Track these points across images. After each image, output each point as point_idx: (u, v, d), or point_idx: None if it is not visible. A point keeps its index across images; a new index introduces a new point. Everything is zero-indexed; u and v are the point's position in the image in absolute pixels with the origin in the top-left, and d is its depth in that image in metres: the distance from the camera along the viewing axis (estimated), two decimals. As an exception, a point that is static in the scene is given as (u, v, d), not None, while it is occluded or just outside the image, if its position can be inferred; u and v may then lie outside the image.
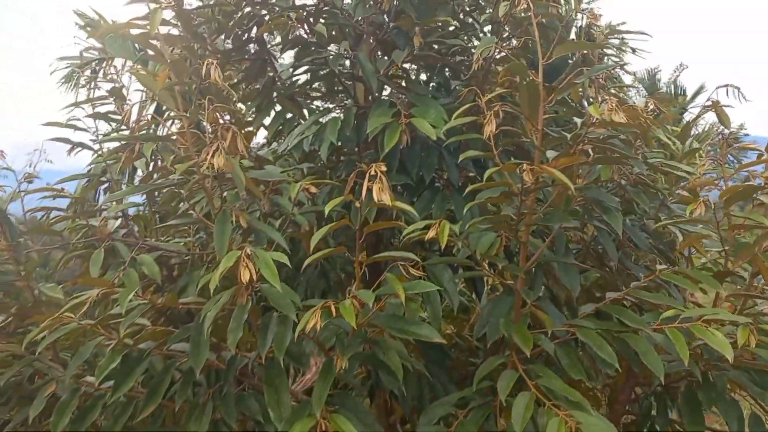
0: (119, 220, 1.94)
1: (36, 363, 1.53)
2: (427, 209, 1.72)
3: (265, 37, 2.09)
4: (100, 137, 2.08)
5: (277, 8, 1.85)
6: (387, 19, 1.90)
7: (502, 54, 1.77)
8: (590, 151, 1.51)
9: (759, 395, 1.55)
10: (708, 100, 1.87)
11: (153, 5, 1.34)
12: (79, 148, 2.13)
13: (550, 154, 1.53)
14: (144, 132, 1.60)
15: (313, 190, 1.42)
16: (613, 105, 1.30)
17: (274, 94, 2.07)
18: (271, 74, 2.08)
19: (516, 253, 1.65)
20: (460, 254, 1.58)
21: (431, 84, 2.10)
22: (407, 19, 1.77)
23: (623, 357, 1.46)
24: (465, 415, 1.45)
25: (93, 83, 2.30)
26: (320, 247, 1.32)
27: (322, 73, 2.03)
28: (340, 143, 1.75)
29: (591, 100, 1.88)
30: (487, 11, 2.13)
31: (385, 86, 1.98)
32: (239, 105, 2.20)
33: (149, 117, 2.09)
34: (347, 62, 2.01)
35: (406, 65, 2.09)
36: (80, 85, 2.28)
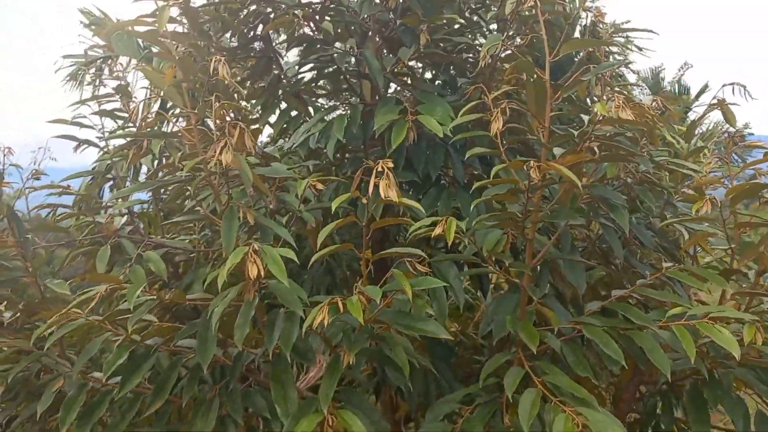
0: (125, 217, 1.94)
1: (44, 359, 1.53)
2: (433, 206, 1.72)
3: (270, 34, 2.09)
4: (107, 134, 2.08)
5: (283, 6, 1.86)
6: (393, 17, 1.90)
7: (508, 52, 1.77)
8: (596, 149, 1.51)
9: (765, 393, 1.55)
10: (714, 98, 1.87)
11: (161, 2, 1.34)
12: (85, 146, 2.14)
13: (557, 151, 1.53)
14: (151, 129, 1.60)
15: (320, 186, 1.42)
16: (621, 102, 1.29)
17: (280, 91, 2.07)
18: (276, 72, 2.08)
19: (522, 251, 1.65)
20: (466, 251, 1.58)
21: (436, 82, 2.10)
22: (414, 16, 1.78)
23: (629, 354, 1.46)
24: (471, 411, 1.46)
25: (98, 81, 2.31)
26: (327, 244, 1.33)
27: (327, 71, 2.03)
28: (345, 141, 1.75)
29: (596, 98, 1.88)
30: (493, 9, 2.13)
31: (391, 84, 1.98)
32: (243, 103, 2.21)
33: (154, 114, 2.10)
34: (353, 60, 2.01)
35: (411, 63, 2.09)
36: (86, 83, 2.27)
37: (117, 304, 1.72)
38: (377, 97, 1.92)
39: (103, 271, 1.70)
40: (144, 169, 2.15)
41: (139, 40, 2.29)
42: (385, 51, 2.02)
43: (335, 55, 1.86)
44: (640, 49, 2.39)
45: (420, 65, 2.18)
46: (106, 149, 2.16)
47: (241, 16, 1.98)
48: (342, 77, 1.98)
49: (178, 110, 2.28)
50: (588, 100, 2.12)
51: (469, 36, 2.01)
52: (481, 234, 1.52)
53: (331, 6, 1.86)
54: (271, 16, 1.94)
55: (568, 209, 1.49)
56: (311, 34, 1.99)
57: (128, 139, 1.61)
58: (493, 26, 2.14)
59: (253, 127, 1.53)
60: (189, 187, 1.45)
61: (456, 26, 1.93)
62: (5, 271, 1.62)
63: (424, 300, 1.32)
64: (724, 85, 1.85)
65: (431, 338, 1.70)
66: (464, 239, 1.46)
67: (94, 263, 1.89)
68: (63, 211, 2.05)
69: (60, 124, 2.05)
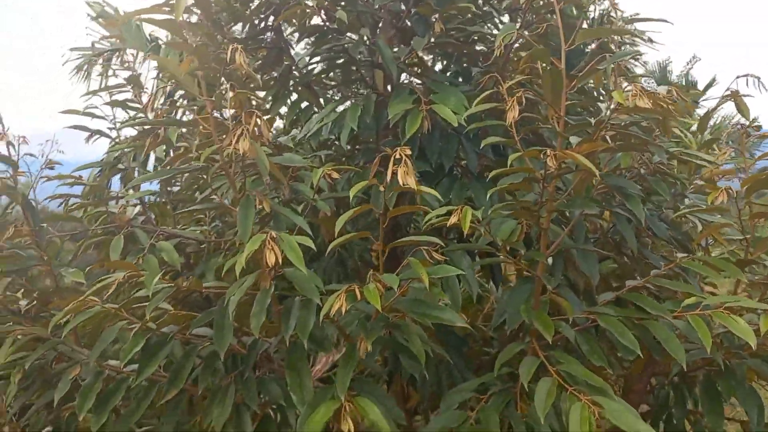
0: (137, 207, 1.95)
1: (60, 346, 1.54)
2: (446, 197, 1.72)
3: (281, 25, 2.09)
4: (119, 124, 2.09)
5: (295, -4, 1.85)
6: (405, 7, 1.90)
7: (521, 41, 1.77)
8: (608, 138, 1.51)
9: (779, 383, 1.55)
10: (727, 89, 1.86)
11: (176, -8, 1.34)
12: (97, 136, 2.14)
13: (573, 141, 1.53)
14: (166, 118, 1.60)
15: (335, 175, 1.42)
16: (638, 90, 1.29)
17: (290, 82, 2.07)
18: (287, 63, 2.08)
19: (535, 241, 1.65)
20: (480, 241, 1.58)
21: (447, 72, 2.09)
22: (426, 5, 1.77)
23: (642, 345, 1.46)
24: (486, 400, 1.46)
25: (107, 72, 2.31)
26: (342, 233, 1.33)
27: (339, 61, 2.03)
28: (358, 131, 1.75)
29: (605, 89, 1.87)
30: (506, -2, 2.12)
31: (402, 75, 1.98)
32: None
33: (161, 104, 2.10)
34: (365, 50, 2.00)
35: (421, 54, 2.09)
36: (97, 74, 2.27)
37: (129, 292, 1.73)
38: (389, 88, 1.92)
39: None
40: (151, 159, 2.16)
41: (147, 33, 2.30)
42: (395, 41, 2.02)
43: (348, 45, 1.85)
44: (652, 41, 2.37)
45: (430, 56, 2.18)
46: (117, 140, 2.17)
47: (252, 7, 1.98)
48: (354, 67, 1.98)
49: (185, 101, 2.30)
50: (595, 91, 2.12)
51: (481, 25, 2.00)
52: (496, 224, 1.52)
53: (344, -5, 1.85)
54: (283, 7, 1.94)
55: (583, 198, 1.49)
56: (322, 24, 1.99)
57: (142, 128, 1.60)
58: (504, 18, 2.13)
59: (265, 117, 1.53)
60: (204, 176, 1.45)
61: (468, 16, 1.92)
62: (21, 259, 1.62)
63: (439, 289, 1.32)
64: (738, 77, 1.84)
65: (443, 329, 1.71)
66: (480, 229, 1.45)
67: (106, 253, 1.90)
68: (75, 201, 2.06)
69: (72, 114, 2.06)
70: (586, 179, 1.50)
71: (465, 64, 2.06)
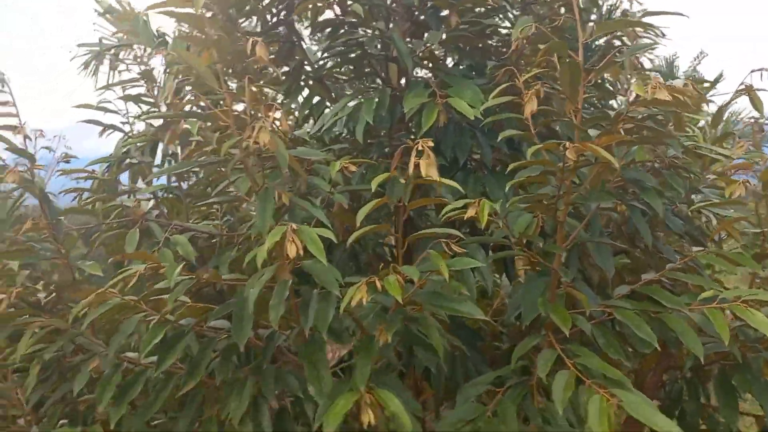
0: (152, 201, 1.96)
1: (79, 339, 1.55)
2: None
3: (293, 19, 2.08)
4: (131, 119, 2.09)
5: (308, -10, 1.85)
6: (418, 1, 1.89)
7: (534, 32, 1.76)
8: (622, 131, 1.50)
9: (795, 377, 1.55)
10: (741, 84, 1.86)
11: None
12: (110, 131, 2.15)
13: (591, 134, 1.52)
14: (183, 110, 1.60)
15: (353, 168, 1.42)
16: (657, 83, 1.29)
17: (303, 77, 2.07)
18: (299, 57, 2.08)
19: (551, 235, 1.65)
20: (496, 234, 1.58)
21: (460, 66, 2.09)
22: (442, -1, 1.77)
23: (658, 338, 1.46)
24: (503, 393, 1.46)
25: (116, 68, 2.31)
26: (361, 226, 1.33)
27: (352, 55, 2.03)
28: (372, 125, 1.75)
29: (626, 81, 1.87)
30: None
31: (416, 68, 1.97)
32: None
33: (172, 98, 2.10)
34: (379, 44, 2.00)
35: (433, 47, 2.08)
36: (108, 68, 2.27)
37: (144, 285, 1.73)
38: (403, 82, 1.92)
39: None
40: (159, 154, 2.16)
41: (154, 29, 2.30)
42: (408, 35, 2.01)
43: (363, 39, 1.85)
44: (663, 35, 2.36)
45: (443, 50, 2.17)
46: (130, 134, 2.17)
47: (266, 2, 1.97)
48: (367, 61, 1.98)
49: (192, 96, 2.30)
50: (610, 85, 2.11)
51: (495, 19, 1.99)
52: (513, 217, 1.52)
53: (358, -12, 1.85)
54: (296, 1, 1.94)
55: (600, 191, 1.49)
56: (335, 18, 1.98)
57: (158, 121, 1.61)
58: (516, 12, 2.12)
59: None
60: (221, 169, 1.46)
61: (481, 9, 1.92)
62: (37, 252, 1.63)
63: (457, 282, 1.33)
64: (752, 71, 1.84)
65: (455, 323, 1.71)
66: (498, 221, 1.46)
67: (118, 247, 1.90)
68: (88, 196, 2.07)
69: (85, 108, 2.07)
70: (601, 172, 1.50)
71: (478, 58, 2.06)
